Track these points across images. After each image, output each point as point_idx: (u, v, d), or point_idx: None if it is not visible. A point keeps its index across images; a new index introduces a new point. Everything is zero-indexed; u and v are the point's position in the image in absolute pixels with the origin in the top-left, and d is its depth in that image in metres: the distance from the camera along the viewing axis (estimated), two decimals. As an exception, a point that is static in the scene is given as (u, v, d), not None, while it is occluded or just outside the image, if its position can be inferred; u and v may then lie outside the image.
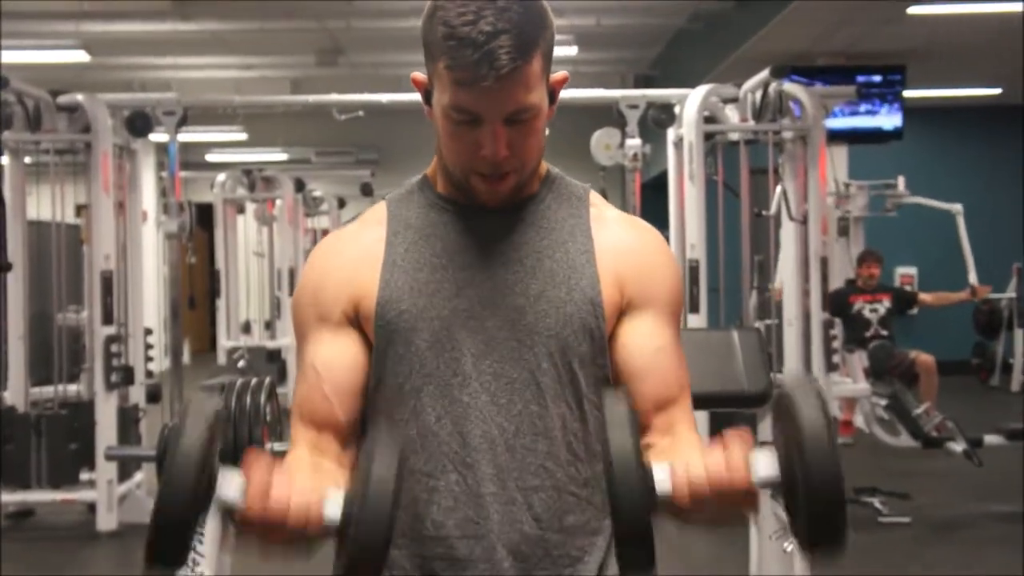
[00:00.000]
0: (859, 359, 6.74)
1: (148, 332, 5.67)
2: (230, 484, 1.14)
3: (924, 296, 7.44)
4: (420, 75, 1.33)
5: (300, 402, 1.37)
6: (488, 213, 1.37)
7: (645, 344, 1.35)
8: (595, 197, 1.45)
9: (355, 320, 1.37)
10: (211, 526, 2.53)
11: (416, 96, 1.35)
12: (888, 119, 8.04)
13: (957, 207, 8.30)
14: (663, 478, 1.14)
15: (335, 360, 1.36)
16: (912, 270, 10.56)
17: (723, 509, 1.14)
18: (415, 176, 1.46)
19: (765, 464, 1.13)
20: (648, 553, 1.10)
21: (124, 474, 5.32)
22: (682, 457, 1.18)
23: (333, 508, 1.14)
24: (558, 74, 1.34)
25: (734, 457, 1.13)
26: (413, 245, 1.38)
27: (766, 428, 4.02)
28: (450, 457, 1.33)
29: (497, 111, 1.26)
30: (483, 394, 1.33)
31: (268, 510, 1.13)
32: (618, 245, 1.39)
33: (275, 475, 1.15)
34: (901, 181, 8.23)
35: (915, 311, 8.16)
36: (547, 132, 1.37)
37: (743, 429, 1.16)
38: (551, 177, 1.43)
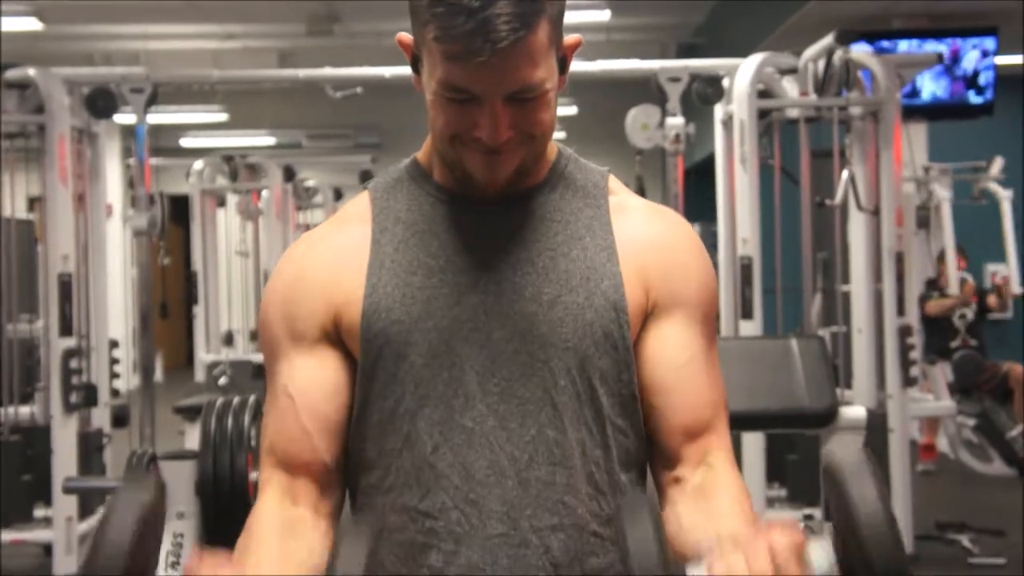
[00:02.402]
0: (942, 372, 6.70)
1: (114, 345, 5.70)
2: None
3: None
4: (407, 36, 1.31)
5: (271, 437, 1.35)
6: (492, 205, 1.35)
7: (674, 355, 1.35)
8: (614, 183, 1.43)
9: (336, 336, 1.35)
10: None
11: (424, 68, 1.33)
12: (976, 91, 7.99)
13: (1005, 192, 8.13)
14: None
15: (313, 385, 1.34)
16: (1006, 268, 10.49)
17: None
18: (404, 160, 1.44)
19: (819, 555, 1.14)
20: None
21: (85, 510, 5.35)
22: (718, 514, 1.19)
23: None
24: (570, 38, 1.32)
25: (782, 554, 1.09)
26: (404, 244, 1.36)
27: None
28: (451, 493, 1.31)
29: (496, 89, 1.24)
30: (490, 417, 1.31)
31: None
32: (642, 239, 1.38)
33: None
34: (998, 163, 8.15)
35: (1009, 314, 8.11)
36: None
37: (792, 525, 1.13)
38: (562, 161, 1.42)
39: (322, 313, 1.35)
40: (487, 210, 1.36)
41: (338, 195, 10.65)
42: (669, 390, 1.34)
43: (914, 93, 7.44)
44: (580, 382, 1.32)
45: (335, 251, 1.37)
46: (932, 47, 7.06)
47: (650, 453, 1.39)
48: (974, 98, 7.99)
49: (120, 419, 5.65)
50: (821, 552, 1.14)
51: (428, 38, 1.24)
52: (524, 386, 1.31)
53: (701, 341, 1.37)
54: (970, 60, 7.96)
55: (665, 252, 1.37)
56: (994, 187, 8.00)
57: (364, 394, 1.34)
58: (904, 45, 7.01)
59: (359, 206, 1.41)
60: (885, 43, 6.87)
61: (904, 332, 5.22)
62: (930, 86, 7.79)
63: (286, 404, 1.34)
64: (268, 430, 1.36)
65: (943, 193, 7.87)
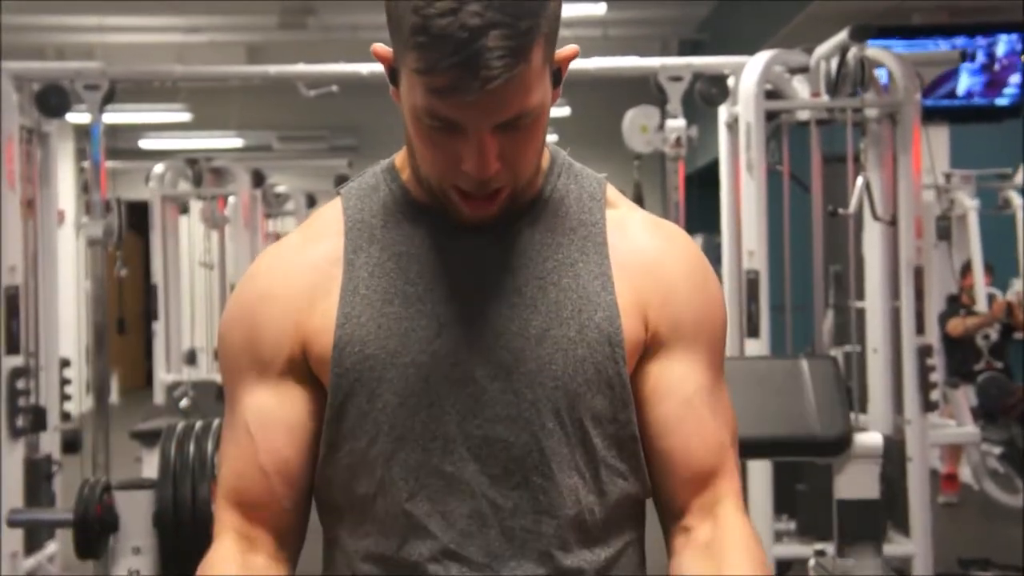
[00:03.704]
0: (965, 396, 6.72)
1: (65, 364, 5.68)
2: None
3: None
4: (383, 48, 1.28)
5: (229, 478, 1.35)
6: (477, 225, 1.34)
7: (676, 393, 1.33)
8: (612, 194, 1.42)
9: (304, 365, 1.34)
10: None
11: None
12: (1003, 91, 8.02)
13: (1020, 202, 8.12)
14: None
15: (276, 424, 1.33)
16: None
17: None
18: (381, 162, 1.42)
19: None
20: None
21: (32, 544, 5.33)
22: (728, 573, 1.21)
23: None
24: (564, 50, 1.29)
25: None
26: (380, 267, 1.34)
27: (844, 481, 4.01)
28: (429, 543, 1.30)
29: (485, 122, 1.23)
30: (471, 463, 1.30)
31: None
32: (641, 260, 1.36)
33: None
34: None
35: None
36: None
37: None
38: (556, 169, 1.40)
39: (289, 340, 1.33)
40: (471, 232, 1.34)
41: (311, 201, 10.64)
42: (671, 432, 1.33)
43: (951, 92, 7.43)
44: (571, 424, 1.31)
45: (305, 268, 1.35)
46: (954, 44, 7.07)
47: (655, 497, 1.39)
48: (1000, 99, 8.03)
49: (71, 445, 5.64)
50: None
51: (409, 66, 1.22)
52: (509, 429, 1.30)
53: (707, 374, 1.35)
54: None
55: (666, 275, 1.36)
56: (1013, 195, 8.03)
57: (333, 434, 1.33)
58: (924, 41, 7.02)
59: (330, 217, 1.39)
60: (903, 39, 6.89)
61: (924, 352, 5.23)
62: (965, 83, 7.78)
63: (246, 442, 1.33)
64: (226, 468, 1.35)
65: (967, 202, 7.89)
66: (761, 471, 4.94)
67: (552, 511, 1.30)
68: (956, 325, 7.25)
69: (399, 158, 1.40)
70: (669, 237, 1.40)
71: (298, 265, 1.36)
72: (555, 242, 1.35)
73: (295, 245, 1.39)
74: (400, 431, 1.30)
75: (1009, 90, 7.98)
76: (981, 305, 7.37)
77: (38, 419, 5.32)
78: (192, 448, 3.48)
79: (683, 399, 1.33)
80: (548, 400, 1.30)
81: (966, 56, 6.96)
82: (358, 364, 1.30)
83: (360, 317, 1.31)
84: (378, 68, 1.29)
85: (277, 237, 10.21)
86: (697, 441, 1.33)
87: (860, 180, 5.39)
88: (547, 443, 1.30)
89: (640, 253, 1.36)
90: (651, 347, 1.34)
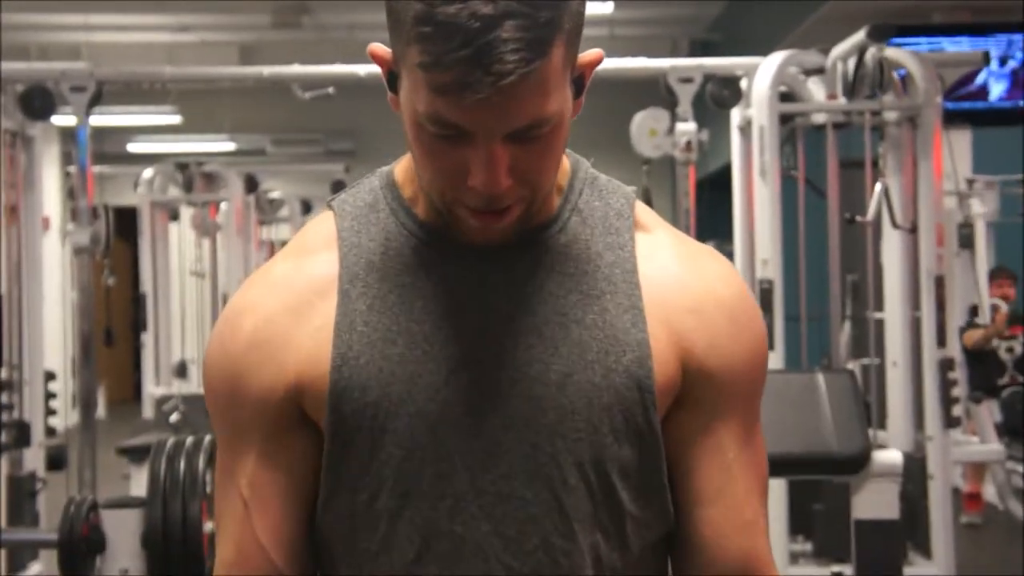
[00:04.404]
0: (989, 411, 6.71)
1: (50, 377, 5.68)
2: None
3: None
4: (381, 49, 1.20)
5: (227, 550, 1.29)
6: (489, 252, 1.25)
7: (715, 456, 1.27)
8: (642, 211, 1.32)
9: (297, 413, 1.26)
10: None
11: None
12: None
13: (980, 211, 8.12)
14: None
15: (272, 492, 1.26)
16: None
17: None
18: (378, 171, 1.33)
19: None
20: None
21: (15, 565, 5.32)
22: None
23: None
24: (588, 54, 1.21)
25: None
26: (381, 300, 1.25)
27: (862, 500, 4.01)
28: None
29: (496, 129, 1.13)
30: (484, 522, 1.23)
31: None
32: (679, 294, 1.27)
33: None
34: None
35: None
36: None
37: None
38: (577, 185, 1.30)
39: (283, 388, 1.25)
40: (483, 259, 1.25)
41: (306, 208, 10.65)
42: (707, 503, 1.27)
43: (980, 93, 7.42)
44: (596, 479, 1.24)
45: (295, 301, 1.26)
46: (977, 44, 7.07)
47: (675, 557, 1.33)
48: (1024, 102, 8.03)
49: (56, 461, 5.63)
50: None
51: (412, 62, 1.13)
52: (526, 485, 1.23)
53: (747, 427, 1.29)
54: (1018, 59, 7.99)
55: (708, 314, 1.27)
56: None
57: (332, 481, 1.26)
58: (945, 41, 7.02)
59: (322, 236, 1.30)
60: (923, 39, 6.89)
61: (945, 366, 5.22)
62: (996, 87, 7.77)
63: (242, 515, 1.27)
64: (223, 539, 1.29)
65: (976, 208, 7.92)
66: (776, 490, 4.93)
67: (572, 574, 1.24)
68: (968, 337, 7.25)
69: (399, 171, 1.31)
70: (710, 268, 1.30)
71: (286, 298, 1.27)
72: (578, 271, 1.26)
73: (283, 274, 1.29)
74: (405, 487, 1.23)
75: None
76: (985, 316, 7.36)
77: (22, 434, 5.32)
78: (182, 465, 3.47)
79: (723, 467, 1.27)
80: (570, 453, 1.23)
81: (989, 58, 6.96)
82: (357, 412, 1.23)
83: (359, 359, 1.23)
84: (376, 69, 1.21)
85: (271, 245, 10.27)
86: (735, 504, 1.27)
87: (879, 186, 5.39)
88: (568, 501, 1.23)
89: (677, 287, 1.27)
90: (689, 394, 1.27)
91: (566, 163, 1.30)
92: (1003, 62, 6.91)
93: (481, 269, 1.25)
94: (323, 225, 1.31)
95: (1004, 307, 7.62)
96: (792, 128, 5.41)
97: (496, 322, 1.24)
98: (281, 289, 1.28)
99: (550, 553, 1.23)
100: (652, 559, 1.31)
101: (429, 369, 1.23)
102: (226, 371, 1.27)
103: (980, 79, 7.53)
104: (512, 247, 1.25)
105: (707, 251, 1.33)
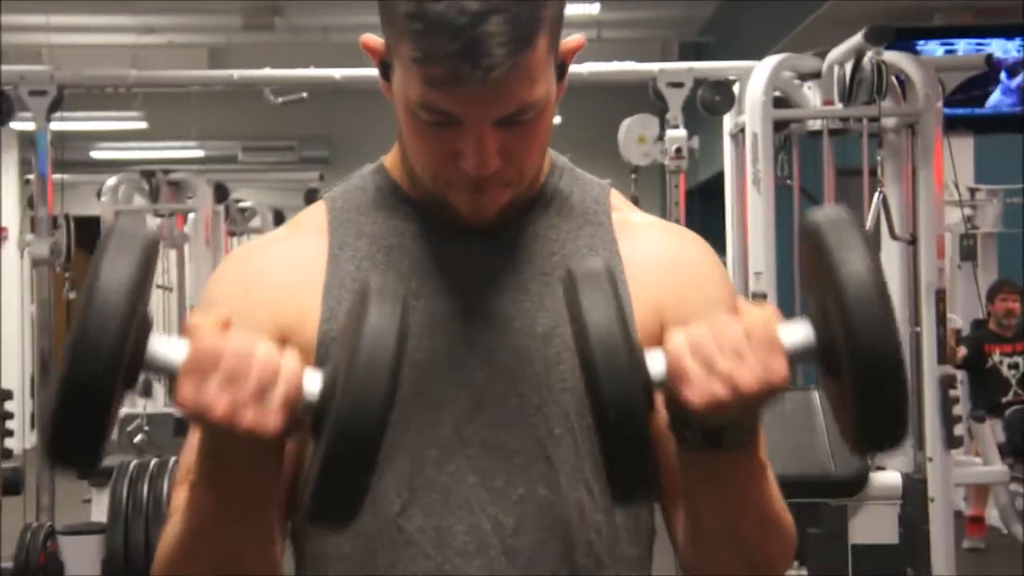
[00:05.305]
0: (992, 431, 6.73)
1: (6, 396, 5.66)
2: (169, 343, 1.14)
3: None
4: (374, 40, 1.30)
5: (186, 460, 1.31)
6: (477, 228, 1.34)
7: None
8: (617, 198, 1.45)
9: None
10: None
11: (381, 68, 1.33)
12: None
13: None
14: (657, 360, 1.16)
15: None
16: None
17: (742, 398, 1.12)
18: (367, 165, 1.44)
19: (795, 329, 1.17)
20: (638, 471, 1.14)
21: (-29, 593, 5.30)
22: None
23: (312, 381, 1.14)
24: (569, 40, 1.31)
25: (751, 319, 1.14)
26: (369, 260, 1.35)
27: (860, 524, 4.01)
28: (422, 562, 1.29)
29: (485, 115, 1.23)
30: (470, 473, 1.30)
31: (225, 359, 1.11)
32: (653, 259, 1.39)
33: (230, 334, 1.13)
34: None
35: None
36: (556, 118, 1.36)
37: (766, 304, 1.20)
38: (557, 172, 1.42)
39: (269, 337, 1.30)
40: (472, 231, 1.35)
41: (279, 218, 10.63)
42: None
43: (976, 99, 7.44)
44: (580, 431, 1.31)
45: (287, 261, 1.37)
46: (979, 48, 7.10)
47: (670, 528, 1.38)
48: (1028, 108, 8.05)
49: (12, 485, 5.60)
50: (797, 326, 1.18)
51: (404, 55, 1.23)
52: (512, 435, 1.30)
53: None
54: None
55: (681, 273, 1.38)
56: None
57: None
58: (946, 45, 7.05)
59: (314, 217, 1.41)
60: (924, 41, 6.91)
61: (946, 383, 5.23)
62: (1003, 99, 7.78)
63: None
64: (186, 454, 1.32)
65: (950, 217, 7.93)
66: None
67: (558, 529, 1.30)
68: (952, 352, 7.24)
69: (388, 159, 1.42)
70: (679, 236, 1.44)
71: (274, 262, 1.38)
72: (560, 239, 1.37)
73: (276, 237, 1.43)
74: (391, 438, 1.25)
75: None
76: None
77: (-24, 457, 5.30)
78: (145, 489, 3.47)
79: None
80: (556, 404, 1.30)
81: (992, 61, 6.99)
82: None
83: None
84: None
85: (241, 257, 10.26)
86: None
87: (877, 195, 5.41)
88: (554, 451, 1.30)
89: (652, 253, 1.39)
90: None
91: (549, 154, 1.41)
92: (1012, 73, 6.92)
93: (467, 234, 1.35)
94: (316, 208, 1.42)
95: (955, 323, 7.62)
96: (787, 135, 5.42)
97: (482, 280, 1.34)
98: (277, 248, 1.40)
99: (535, 504, 1.30)
100: (635, 540, 1.36)
101: (416, 322, 1.27)
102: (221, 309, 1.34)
103: (993, 100, 7.57)
104: (499, 221, 1.35)
105: (676, 226, 1.48)
